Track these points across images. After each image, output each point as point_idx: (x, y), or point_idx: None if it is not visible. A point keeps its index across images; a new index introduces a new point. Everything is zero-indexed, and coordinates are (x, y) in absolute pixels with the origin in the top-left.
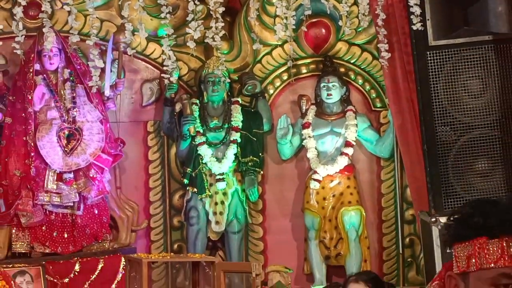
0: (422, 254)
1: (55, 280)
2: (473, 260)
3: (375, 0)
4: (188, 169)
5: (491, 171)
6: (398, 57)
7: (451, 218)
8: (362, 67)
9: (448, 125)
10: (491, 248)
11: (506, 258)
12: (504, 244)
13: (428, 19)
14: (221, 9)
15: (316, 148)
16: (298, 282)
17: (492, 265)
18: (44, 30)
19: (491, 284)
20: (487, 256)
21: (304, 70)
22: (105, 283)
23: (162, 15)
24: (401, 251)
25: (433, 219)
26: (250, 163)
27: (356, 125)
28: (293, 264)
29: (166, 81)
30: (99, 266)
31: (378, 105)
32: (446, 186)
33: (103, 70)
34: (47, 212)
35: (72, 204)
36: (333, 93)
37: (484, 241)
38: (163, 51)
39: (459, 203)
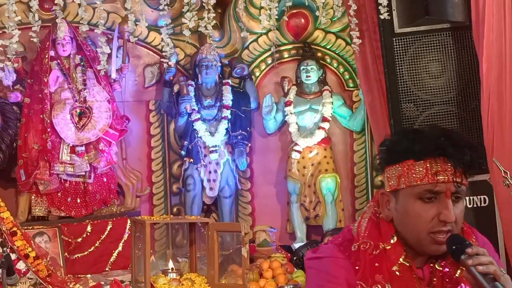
0: None
1: (70, 240)
2: (403, 179)
3: None
4: (185, 142)
5: None
6: (368, 43)
7: (383, 145)
8: (336, 52)
9: (412, 102)
10: (417, 169)
11: (430, 177)
12: (428, 165)
13: (394, 10)
14: (213, 1)
15: (297, 123)
16: (282, 240)
17: (418, 182)
18: (57, 21)
19: (417, 198)
20: (414, 175)
21: (286, 55)
22: (113, 242)
23: (161, 7)
24: None
25: None
26: (239, 137)
27: (332, 102)
28: (277, 224)
29: (165, 65)
30: (108, 227)
31: (351, 85)
32: None
33: (109, 56)
34: (62, 180)
35: (84, 174)
36: (311, 75)
37: (411, 163)
38: (162, 39)
39: None
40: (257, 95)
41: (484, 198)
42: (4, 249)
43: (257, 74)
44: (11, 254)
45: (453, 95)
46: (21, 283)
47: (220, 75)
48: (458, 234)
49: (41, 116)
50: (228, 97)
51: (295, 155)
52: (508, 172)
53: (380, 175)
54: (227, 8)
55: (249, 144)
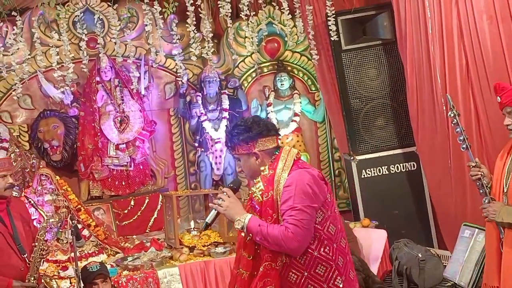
0: (346, 179)
1: (119, 212)
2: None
3: (307, 23)
4: (197, 136)
5: (385, 125)
6: (323, 58)
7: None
8: (301, 66)
9: (357, 98)
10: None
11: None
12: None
13: (341, 33)
14: (211, 35)
15: (276, 119)
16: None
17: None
18: (100, 55)
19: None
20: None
21: (265, 70)
22: (150, 212)
23: (174, 41)
24: (333, 179)
25: (352, 158)
26: None
27: (300, 102)
28: None
29: (180, 82)
30: (146, 201)
31: (313, 88)
32: (358, 136)
33: (139, 78)
34: (111, 169)
35: (126, 164)
36: (284, 83)
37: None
38: (176, 63)
39: (367, 147)
40: (246, 100)
41: (413, 164)
42: (73, 221)
43: (246, 84)
44: (78, 224)
45: (386, 92)
46: (86, 244)
47: (219, 87)
48: (238, 179)
49: (93, 124)
50: (226, 103)
51: None
52: (454, 107)
53: (338, 152)
54: (221, 38)
55: None
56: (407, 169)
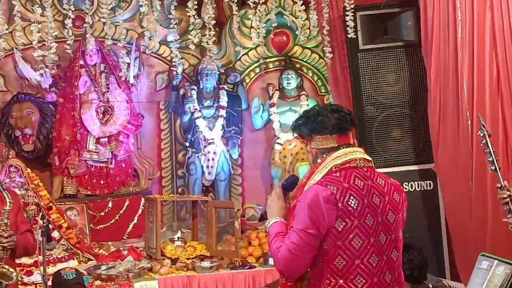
0: None
1: (95, 214)
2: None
3: (322, 16)
4: (189, 135)
5: (402, 137)
6: (337, 57)
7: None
8: (312, 64)
9: (372, 105)
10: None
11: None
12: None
13: (359, 30)
14: (213, 22)
15: (279, 121)
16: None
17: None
18: (86, 36)
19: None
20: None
21: (271, 65)
22: (130, 216)
23: (171, 26)
24: None
25: None
26: (232, 131)
27: (307, 105)
28: (262, 203)
29: (174, 73)
30: (126, 204)
31: (323, 91)
32: (371, 148)
33: (128, 65)
34: (89, 165)
35: (106, 160)
36: (291, 82)
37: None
38: (171, 51)
39: (380, 160)
40: (247, 98)
41: (429, 183)
42: (44, 220)
43: (247, 81)
44: (49, 225)
45: (405, 99)
46: (56, 248)
47: (217, 81)
48: (294, 175)
49: (72, 113)
50: (224, 99)
51: (277, 147)
52: (485, 127)
53: None
54: (224, 27)
55: (240, 137)
56: (422, 188)
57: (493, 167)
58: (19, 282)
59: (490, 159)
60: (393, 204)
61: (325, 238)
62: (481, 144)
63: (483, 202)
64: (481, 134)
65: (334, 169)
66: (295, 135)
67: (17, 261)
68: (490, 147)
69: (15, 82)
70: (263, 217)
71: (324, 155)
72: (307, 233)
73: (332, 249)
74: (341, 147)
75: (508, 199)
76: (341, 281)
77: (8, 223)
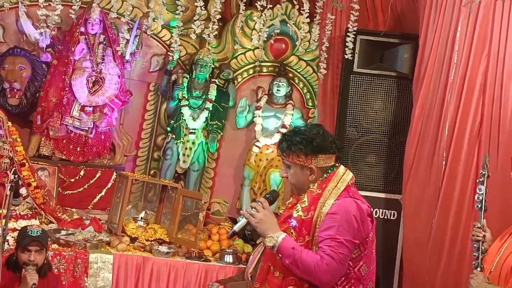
0: None
1: (65, 179)
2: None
3: (324, 32)
4: (172, 121)
5: (376, 164)
6: (330, 74)
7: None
8: (304, 76)
9: (354, 127)
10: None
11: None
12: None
13: (356, 53)
14: (218, 16)
15: (262, 125)
16: (231, 213)
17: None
18: (93, 5)
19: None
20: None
21: (264, 70)
22: (99, 187)
23: (177, 12)
24: None
25: None
26: (215, 126)
27: (292, 114)
28: (230, 200)
29: (170, 58)
30: (97, 175)
31: (310, 104)
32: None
33: (127, 41)
34: (69, 131)
35: (87, 129)
36: (281, 90)
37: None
38: (171, 36)
39: None
40: (236, 96)
41: (394, 213)
42: (15, 176)
43: (239, 80)
44: (19, 180)
45: (387, 128)
46: (21, 205)
47: (210, 74)
48: (275, 190)
49: (63, 76)
50: (213, 93)
51: (255, 149)
52: (488, 166)
53: None
54: (227, 23)
55: (221, 133)
56: (386, 217)
57: (479, 205)
58: None
59: (481, 198)
60: None
61: (359, 247)
62: (477, 181)
63: (441, 242)
64: (483, 173)
65: (350, 183)
66: (283, 153)
67: None
68: (485, 187)
69: (14, 36)
70: (235, 233)
71: (329, 171)
72: (353, 242)
73: (360, 257)
74: (336, 165)
75: (481, 237)
76: (361, 286)
77: None
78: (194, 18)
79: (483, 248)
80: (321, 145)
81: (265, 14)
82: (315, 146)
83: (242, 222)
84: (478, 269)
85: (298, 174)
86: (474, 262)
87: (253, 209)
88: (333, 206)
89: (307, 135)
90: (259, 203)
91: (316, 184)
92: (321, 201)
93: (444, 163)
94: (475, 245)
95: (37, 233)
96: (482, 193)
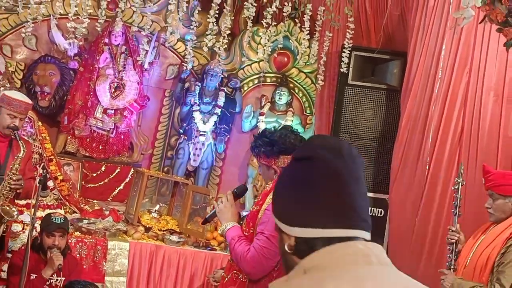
0: None
1: (88, 173)
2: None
3: (322, 48)
4: (184, 124)
5: (366, 166)
6: (327, 86)
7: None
8: (303, 86)
9: (347, 133)
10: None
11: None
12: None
13: (351, 67)
14: (228, 32)
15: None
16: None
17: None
18: (116, 19)
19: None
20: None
21: (268, 80)
22: (118, 182)
23: (191, 27)
24: None
25: None
26: (222, 129)
27: (292, 121)
28: None
29: (184, 67)
30: (117, 171)
31: (308, 111)
32: None
33: (146, 52)
34: (92, 130)
35: (108, 129)
36: (282, 98)
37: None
38: (186, 48)
39: None
40: (242, 103)
41: (381, 211)
42: (44, 170)
43: (245, 88)
44: (47, 174)
45: (376, 135)
46: (48, 196)
47: (219, 83)
48: (243, 185)
49: (89, 82)
50: (221, 100)
51: None
52: (462, 175)
53: None
54: (236, 37)
55: (228, 136)
56: (374, 214)
57: (455, 212)
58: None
59: (456, 204)
60: None
61: None
62: (452, 188)
63: (423, 239)
64: (458, 181)
65: None
66: (253, 154)
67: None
68: (459, 195)
69: (45, 45)
70: (207, 220)
71: None
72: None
73: None
74: None
75: (455, 239)
76: None
77: (18, 168)
78: (206, 32)
79: (456, 250)
80: (281, 147)
81: (269, 30)
82: (276, 148)
83: (212, 211)
84: (451, 269)
85: (265, 174)
86: (447, 263)
87: (220, 200)
88: (271, 202)
89: (270, 138)
90: (225, 196)
91: (272, 181)
92: (268, 197)
93: (427, 167)
94: (449, 247)
95: (61, 220)
96: (457, 199)
